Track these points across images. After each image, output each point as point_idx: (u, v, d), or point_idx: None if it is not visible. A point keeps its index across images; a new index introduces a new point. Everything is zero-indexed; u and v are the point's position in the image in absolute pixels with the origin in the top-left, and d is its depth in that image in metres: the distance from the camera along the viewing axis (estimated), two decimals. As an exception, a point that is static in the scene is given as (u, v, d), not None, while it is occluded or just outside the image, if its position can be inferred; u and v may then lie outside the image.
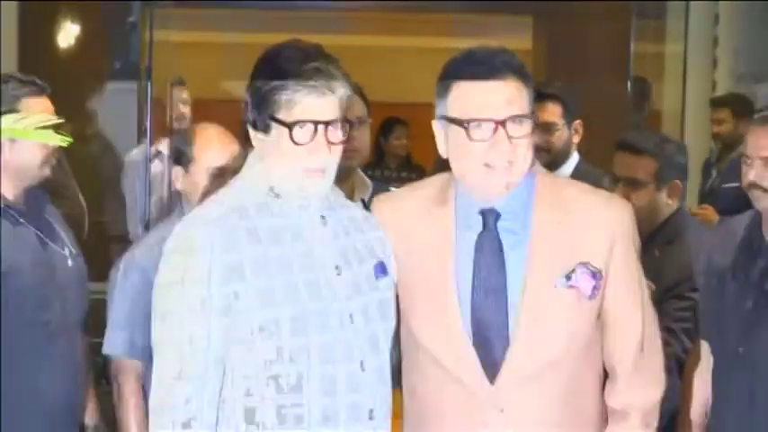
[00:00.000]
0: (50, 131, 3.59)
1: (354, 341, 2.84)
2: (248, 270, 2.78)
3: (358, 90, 3.99)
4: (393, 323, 2.94)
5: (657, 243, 4.00)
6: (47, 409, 3.69)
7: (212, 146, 3.87)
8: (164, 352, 2.81)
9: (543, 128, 4.31)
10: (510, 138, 2.83)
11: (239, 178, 2.93)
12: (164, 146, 7.11)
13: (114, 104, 8.13)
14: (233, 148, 3.88)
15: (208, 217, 2.82)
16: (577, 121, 4.49)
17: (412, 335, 2.94)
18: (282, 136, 2.80)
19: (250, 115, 2.86)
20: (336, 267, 2.86)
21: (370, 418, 2.84)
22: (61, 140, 3.58)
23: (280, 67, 2.81)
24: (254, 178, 2.89)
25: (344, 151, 2.98)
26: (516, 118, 2.84)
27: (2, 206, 3.65)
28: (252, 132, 2.87)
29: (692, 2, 6.55)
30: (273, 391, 2.79)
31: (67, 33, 8.25)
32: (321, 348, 2.80)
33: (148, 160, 7.09)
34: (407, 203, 3.04)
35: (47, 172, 3.69)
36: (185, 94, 7.50)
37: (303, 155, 2.81)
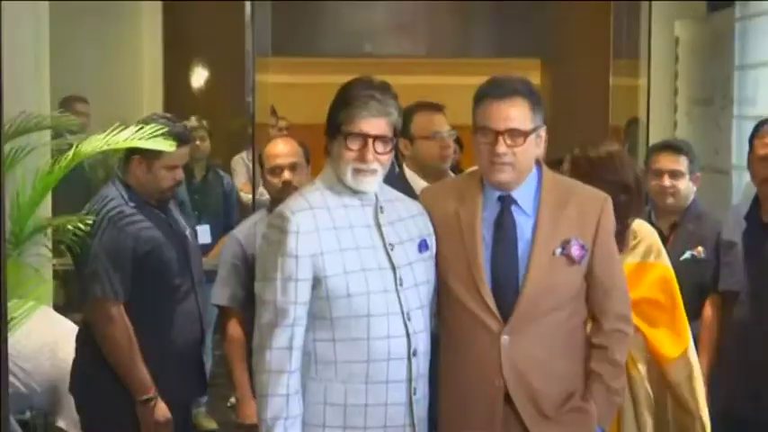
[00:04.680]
0: (161, 140, 3.56)
1: (403, 297, 2.85)
2: (325, 246, 2.80)
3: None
4: (433, 284, 2.94)
5: (690, 219, 4.07)
6: (180, 349, 3.77)
7: (273, 152, 3.88)
8: (263, 305, 2.82)
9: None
10: (507, 145, 2.83)
11: (319, 178, 2.93)
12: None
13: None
14: (291, 150, 3.87)
15: (294, 207, 2.84)
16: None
17: (449, 289, 2.95)
18: (342, 142, 2.84)
19: (327, 127, 2.89)
20: (390, 244, 2.87)
21: (414, 355, 2.85)
22: (170, 146, 3.56)
23: (348, 92, 2.85)
24: (328, 177, 2.90)
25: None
26: (514, 131, 2.83)
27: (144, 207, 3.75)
28: (328, 141, 2.89)
29: (659, 43, 6.56)
30: (341, 334, 2.81)
31: (200, 74, 8.25)
32: (378, 303, 2.81)
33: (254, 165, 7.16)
34: (447, 192, 3.04)
35: (170, 195, 3.83)
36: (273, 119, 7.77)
37: (354, 159, 2.83)
